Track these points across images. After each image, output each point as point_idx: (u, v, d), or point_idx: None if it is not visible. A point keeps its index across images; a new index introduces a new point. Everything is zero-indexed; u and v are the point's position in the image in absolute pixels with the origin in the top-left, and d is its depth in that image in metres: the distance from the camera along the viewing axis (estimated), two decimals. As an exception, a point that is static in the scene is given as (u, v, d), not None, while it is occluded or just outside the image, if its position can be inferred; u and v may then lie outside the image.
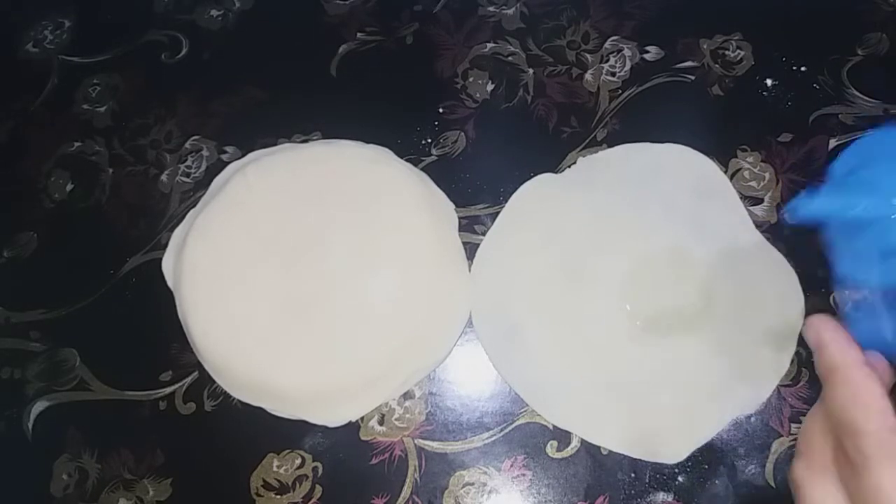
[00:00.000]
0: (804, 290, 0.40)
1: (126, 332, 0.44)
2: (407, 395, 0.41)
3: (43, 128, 0.51)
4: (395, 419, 0.40)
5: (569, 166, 0.45)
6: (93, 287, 0.45)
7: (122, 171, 0.49)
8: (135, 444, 0.41)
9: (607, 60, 0.48)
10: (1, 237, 0.48)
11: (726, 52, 0.47)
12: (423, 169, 0.46)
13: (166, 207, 0.47)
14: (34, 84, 0.53)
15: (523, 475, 0.38)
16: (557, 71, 0.48)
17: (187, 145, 0.49)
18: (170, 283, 0.44)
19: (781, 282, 0.40)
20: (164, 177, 0.48)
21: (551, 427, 0.39)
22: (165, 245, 0.45)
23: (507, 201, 0.44)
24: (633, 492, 0.37)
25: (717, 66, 0.47)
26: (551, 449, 0.38)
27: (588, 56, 0.48)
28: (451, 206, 0.44)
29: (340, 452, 0.39)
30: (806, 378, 0.38)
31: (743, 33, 0.48)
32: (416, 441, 0.39)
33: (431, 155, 0.46)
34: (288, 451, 0.40)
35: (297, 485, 0.39)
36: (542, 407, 0.39)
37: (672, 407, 0.38)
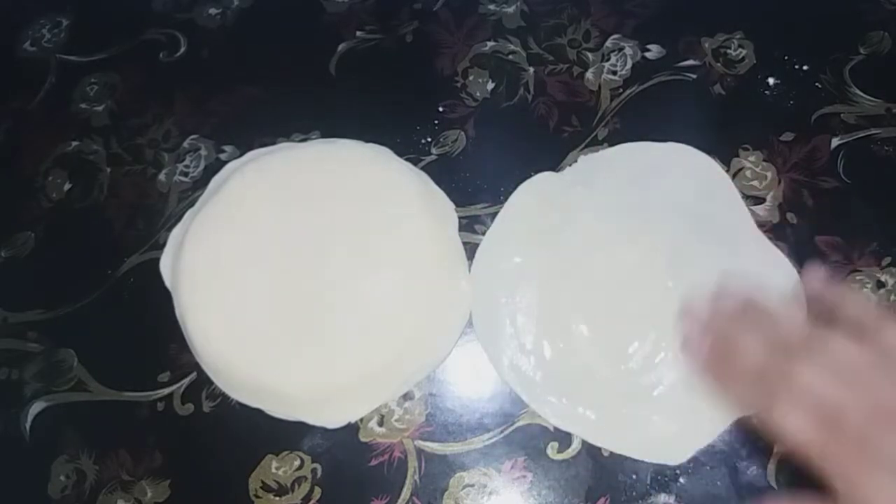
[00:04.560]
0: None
1: (124, 333, 0.44)
2: (407, 396, 0.40)
3: (41, 127, 0.51)
4: (395, 420, 0.40)
5: (569, 165, 0.44)
6: (91, 287, 0.45)
7: (119, 170, 0.49)
8: (133, 446, 0.41)
9: (608, 59, 0.48)
10: (-2, 237, 0.48)
11: (728, 51, 0.47)
12: (422, 168, 0.45)
13: (164, 207, 0.47)
14: (32, 83, 0.52)
15: (524, 476, 0.38)
16: (558, 69, 0.48)
17: (185, 144, 0.49)
18: (168, 283, 0.44)
19: (783, 282, 0.40)
20: (162, 176, 0.48)
21: (552, 428, 0.39)
22: (163, 245, 0.45)
23: (507, 200, 0.44)
24: (634, 493, 0.37)
25: (718, 64, 0.47)
26: (552, 450, 0.38)
27: (589, 54, 0.48)
28: (451, 205, 0.44)
29: (340, 454, 0.39)
30: (808, 379, 0.38)
31: (745, 32, 0.47)
32: (415, 442, 0.39)
33: (431, 154, 0.46)
34: (287, 452, 0.39)
35: (296, 486, 0.39)
36: (543, 408, 0.39)
37: (674, 408, 0.38)
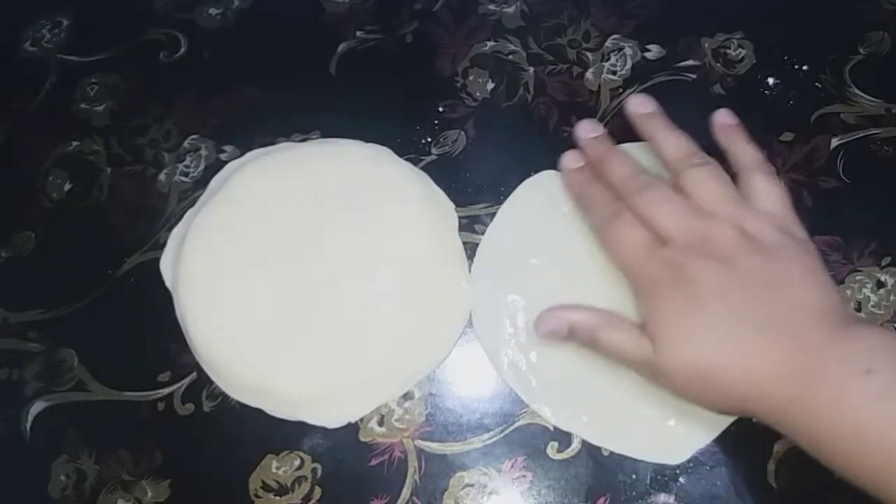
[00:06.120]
0: (806, 290, 0.40)
1: (124, 333, 0.44)
2: (407, 396, 0.40)
3: (41, 127, 0.51)
4: (395, 420, 0.40)
5: (569, 165, 0.44)
6: (91, 287, 0.45)
7: (120, 170, 0.49)
8: (133, 446, 0.41)
9: (608, 59, 0.48)
10: (-1, 237, 0.48)
11: (728, 51, 0.47)
12: (422, 168, 0.45)
13: (165, 207, 0.47)
14: (32, 83, 0.52)
15: (524, 476, 0.38)
16: (558, 69, 0.48)
17: (185, 144, 0.49)
18: (168, 283, 0.44)
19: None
20: (162, 176, 0.48)
21: (552, 428, 0.39)
22: (164, 245, 0.45)
23: (507, 200, 0.44)
24: (633, 493, 0.37)
25: (718, 64, 0.47)
26: (552, 450, 0.38)
27: (589, 55, 0.48)
28: (451, 205, 0.44)
29: (340, 453, 0.39)
30: (808, 379, 0.38)
31: (745, 32, 0.47)
32: (415, 442, 0.39)
33: (431, 154, 0.46)
34: (287, 452, 0.40)
35: (297, 486, 0.39)
36: (543, 408, 0.39)
37: (674, 407, 0.38)
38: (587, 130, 0.41)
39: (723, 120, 0.39)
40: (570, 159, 0.41)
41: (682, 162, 0.36)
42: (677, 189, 0.35)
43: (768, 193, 0.35)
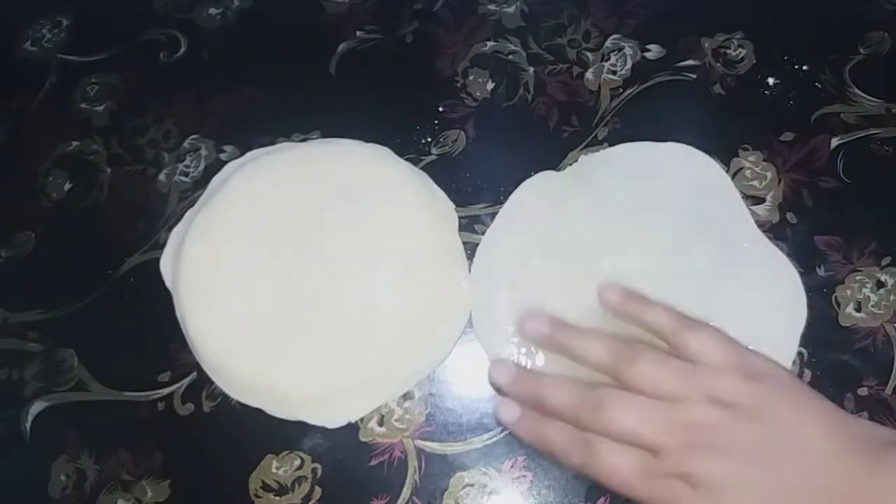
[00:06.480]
0: (806, 290, 0.40)
1: (124, 333, 0.44)
2: (406, 396, 0.40)
3: (41, 127, 0.51)
4: (395, 420, 0.40)
5: (569, 165, 0.44)
6: (91, 287, 0.45)
7: (120, 170, 0.49)
8: (133, 445, 0.41)
9: (608, 59, 0.48)
10: (-1, 237, 0.48)
11: (728, 51, 0.47)
12: (422, 168, 0.45)
13: (164, 207, 0.47)
14: (32, 83, 0.52)
15: (524, 476, 0.38)
16: (558, 69, 0.48)
17: (185, 144, 0.49)
18: (168, 283, 0.44)
19: (783, 282, 0.40)
20: (162, 176, 0.48)
21: (552, 428, 0.39)
22: (164, 245, 0.45)
23: (507, 199, 0.44)
24: (634, 493, 0.37)
25: (718, 64, 0.47)
26: (552, 450, 0.38)
27: (589, 54, 0.48)
28: (451, 205, 0.44)
29: (340, 454, 0.39)
30: (808, 379, 0.38)
31: (745, 32, 0.47)
32: (415, 442, 0.39)
33: (431, 154, 0.46)
34: (287, 452, 0.40)
35: (297, 486, 0.39)
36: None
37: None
38: (503, 375, 0.37)
39: (613, 299, 0.37)
40: (506, 413, 0.36)
41: (613, 365, 0.34)
42: (624, 384, 0.33)
43: (707, 348, 0.33)
